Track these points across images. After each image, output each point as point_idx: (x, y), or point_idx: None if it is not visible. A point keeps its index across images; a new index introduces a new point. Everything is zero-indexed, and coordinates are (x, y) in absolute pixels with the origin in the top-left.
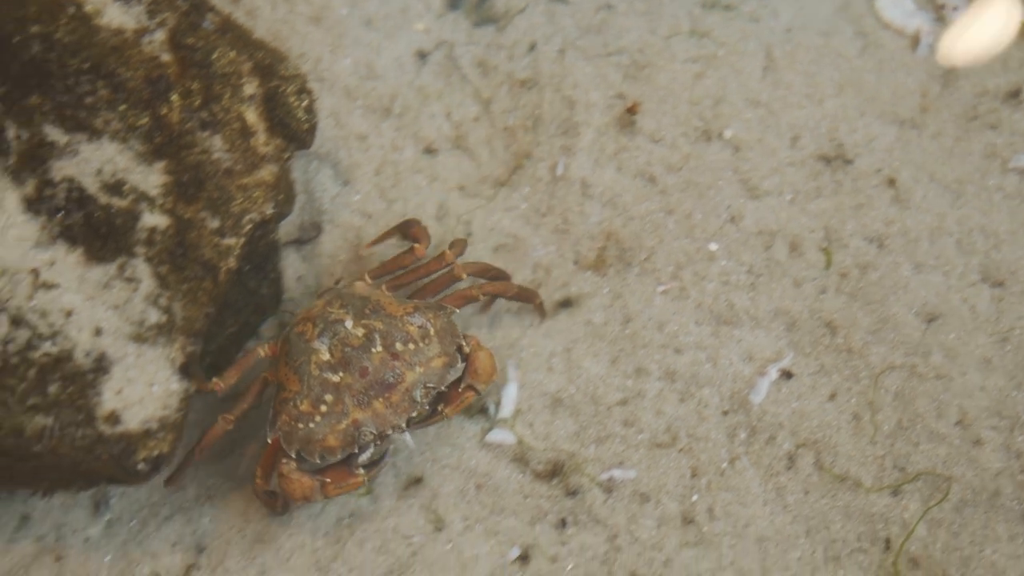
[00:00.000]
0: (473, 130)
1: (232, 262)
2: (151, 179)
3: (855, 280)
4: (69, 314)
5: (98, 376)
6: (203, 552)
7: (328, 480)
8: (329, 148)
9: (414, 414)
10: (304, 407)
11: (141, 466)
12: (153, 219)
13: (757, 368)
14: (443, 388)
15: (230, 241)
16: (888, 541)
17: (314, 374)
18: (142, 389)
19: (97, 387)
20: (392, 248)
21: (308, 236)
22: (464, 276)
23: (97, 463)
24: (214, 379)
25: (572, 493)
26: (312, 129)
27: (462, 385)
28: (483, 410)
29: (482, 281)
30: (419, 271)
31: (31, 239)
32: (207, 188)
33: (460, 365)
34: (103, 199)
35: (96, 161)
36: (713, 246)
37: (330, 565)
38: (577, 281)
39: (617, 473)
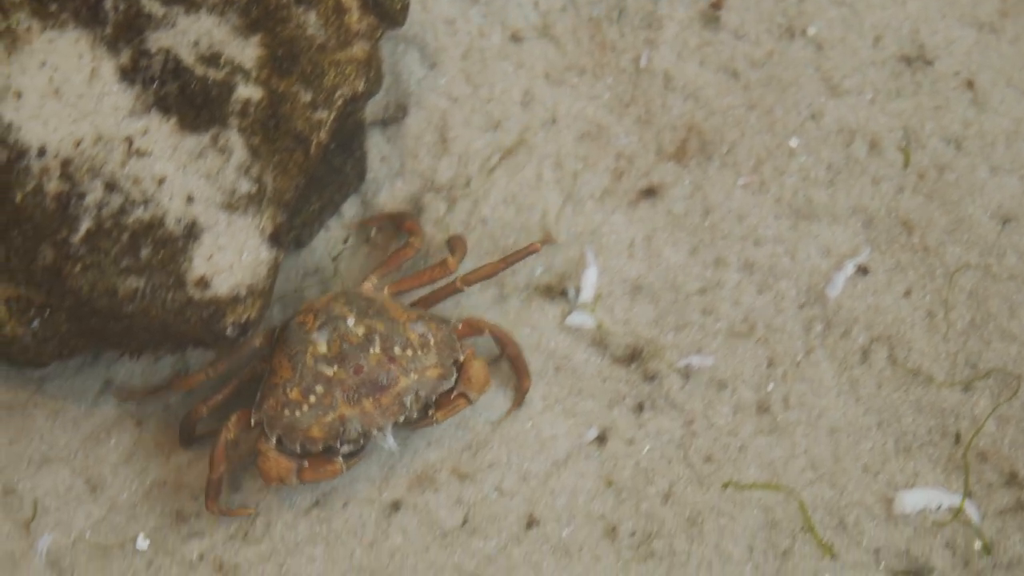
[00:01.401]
0: (559, 19)
1: (323, 135)
2: (247, 52)
3: (932, 180)
4: (161, 181)
5: (189, 242)
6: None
7: (306, 464)
8: (416, 31)
9: (401, 418)
10: (293, 395)
11: (229, 330)
12: (248, 91)
13: (834, 263)
14: (433, 398)
15: (322, 115)
16: (958, 435)
17: (308, 364)
18: (232, 256)
19: (188, 253)
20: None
21: (393, 117)
22: (465, 288)
23: (186, 326)
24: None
25: (650, 378)
26: (404, 8)
27: (455, 392)
28: (563, 294)
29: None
30: (423, 276)
31: (125, 108)
32: (301, 62)
33: (453, 378)
34: (199, 70)
35: (193, 33)
36: (793, 142)
37: (408, 438)
38: (659, 171)
39: (695, 360)
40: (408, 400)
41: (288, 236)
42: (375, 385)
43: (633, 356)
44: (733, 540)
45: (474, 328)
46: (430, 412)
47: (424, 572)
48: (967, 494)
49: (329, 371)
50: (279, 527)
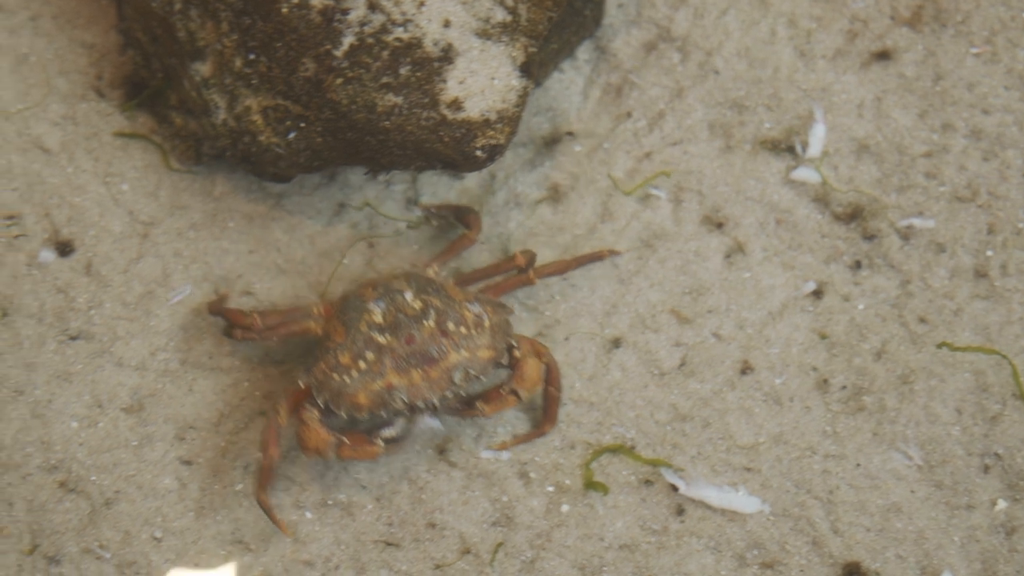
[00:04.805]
0: None
1: None
2: None
3: None
4: (421, 5)
5: (444, 65)
6: (505, 254)
7: (346, 441)
8: None
9: (448, 394)
10: (344, 359)
11: (479, 152)
12: None
13: None
14: (482, 379)
15: None
16: None
17: (362, 330)
18: (484, 81)
19: (443, 75)
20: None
21: None
22: (536, 282)
23: (439, 144)
24: (255, 312)
25: (869, 237)
26: None
27: (506, 388)
28: (789, 149)
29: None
30: (489, 269)
31: None
32: None
33: (504, 362)
34: None
35: None
36: None
37: (631, 279)
38: (892, 35)
39: (916, 221)
40: (457, 376)
41: (538, 69)
42: (425, 357)
43: (854, 214)
44: (942, 401)
45: (536, 351)
46: (478, 404)
47: (641, 408)
48: None
49: (381, 339)
50: None
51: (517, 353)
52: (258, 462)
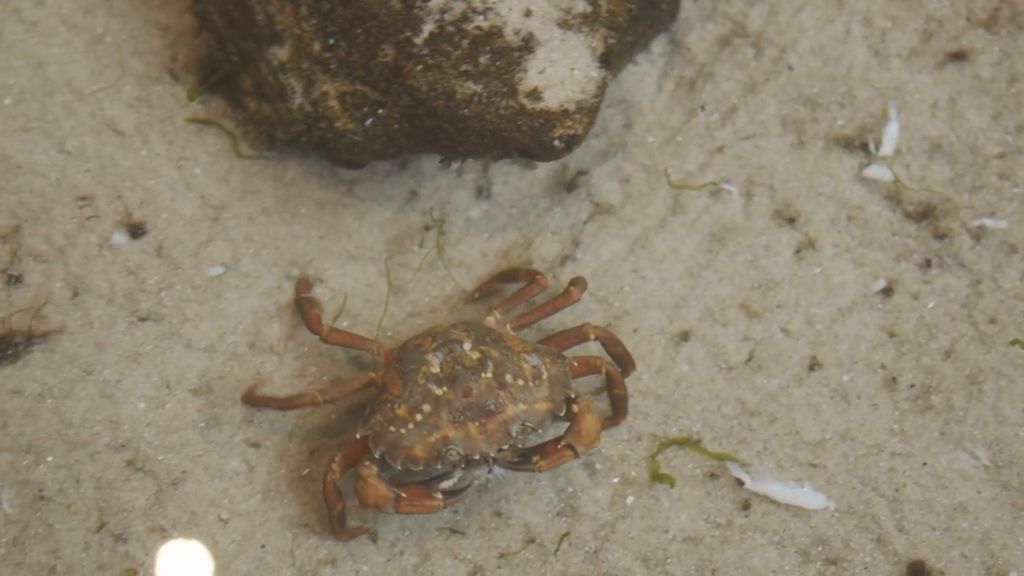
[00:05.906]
0: None
1: None
2: None
3: None
4: None
5: (524, 54)
6: (579, 246)
7: (404, 495)
8: None
9: (505, 447)
10: (401, 411)
11: (556, 142)
12: None
13: None
14: (540, 432)
15: None
16: None
17: (419, 383)
18: (563, 72)
19: (522, 64)
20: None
21: None
22: (592, 337)
23: (516, 133)
24: (327, 325)
25: (940, 236)
26: None
27: (562, 442)
28: (863, 146)
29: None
30: (546, 308)
31: None
32: None
33: (563, 415)
34: None
35: None
36: None
37: (702, 272)
38: (968, 36)
39: (988, 222)
40: (514, 429)
41: (616, 60)
42: (482, 410)
43: (925, 213)
44: (1011, 402)
45: (591, 367)
46: (534, 459)
47: (708, 402)
48: None
49: (438, 391)
50: None
51: (575, 407)
52: (329, 517)
